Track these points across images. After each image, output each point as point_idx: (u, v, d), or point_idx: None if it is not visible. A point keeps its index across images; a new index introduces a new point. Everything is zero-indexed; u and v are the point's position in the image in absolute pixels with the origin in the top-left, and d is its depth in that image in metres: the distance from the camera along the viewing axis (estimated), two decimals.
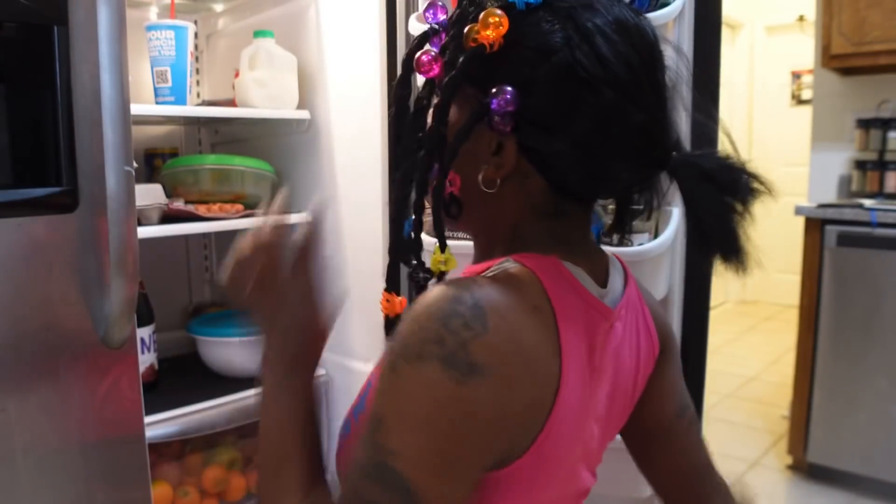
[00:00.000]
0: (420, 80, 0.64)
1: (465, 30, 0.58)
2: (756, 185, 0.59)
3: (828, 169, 2.81)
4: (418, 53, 0.62)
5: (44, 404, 0.82)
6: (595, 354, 0.61)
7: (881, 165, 2.65)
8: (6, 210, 0.77)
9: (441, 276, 0.65)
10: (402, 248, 0.66)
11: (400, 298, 0.67)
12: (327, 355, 0.91)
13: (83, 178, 0.82)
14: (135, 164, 0.86)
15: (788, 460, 2.50)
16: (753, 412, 3.05)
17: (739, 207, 0.59)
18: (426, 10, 0.65)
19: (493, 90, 0.57)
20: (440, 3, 0.64)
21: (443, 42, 0.63)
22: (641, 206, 0.66)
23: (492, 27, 0.56)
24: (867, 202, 2.39)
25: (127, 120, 0.83)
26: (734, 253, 0.59)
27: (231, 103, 1.58)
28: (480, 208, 0.64)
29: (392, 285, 0.67)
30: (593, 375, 0.61)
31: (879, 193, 2.63)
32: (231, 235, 2.00)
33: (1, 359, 0.78)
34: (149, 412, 0.89)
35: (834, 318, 2.30)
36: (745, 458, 2.59)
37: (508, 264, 0.60)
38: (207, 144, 1.94)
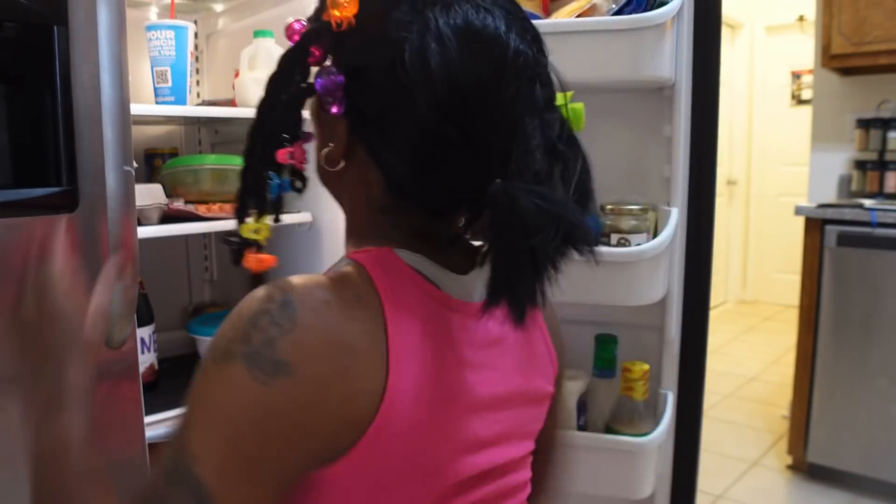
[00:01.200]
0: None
1: (326, 2, 0.57)
2: (579, 235, 0.55)
3: (828, 169, 2.81)
4: (290, 20, 0.62)
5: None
6: (448, 345, 0.58)
7: (881, 165, 2.65)
8: (6, 210, 0.77)
9: (255, 244, 0.67)
10: (242, 209, 0.67)
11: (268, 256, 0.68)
12: None
13: (83, 178, 0.82)
14: (135, 164, 0.86)
15: (788, 460, 2.50)
16: (753, 412, 3.05)
17: (542, 255, 0.53)
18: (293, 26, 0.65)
19: (319, 70, 0.58)
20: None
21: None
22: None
23: (341, 8, 0.56)
24: (867, 202, 2.39)
25: (127, 120, 0.83)
26: (513, 299, 0.53)
27: (231, 103, 1.58)
28: (335, 188, 0.66)
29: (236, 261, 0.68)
30: (453, 366, 0.58)
31: (879, 193, 2.63)
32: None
33: (1, 358, 0.78)
34: (149, 412, 0.89)
35: (834, 318, 2.30)
36: (745, 458, 2.59)
37: (343, 263, 0.60)
38: (207, 144, 1.94)
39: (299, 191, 0.67)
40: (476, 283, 0.63)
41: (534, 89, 0.57)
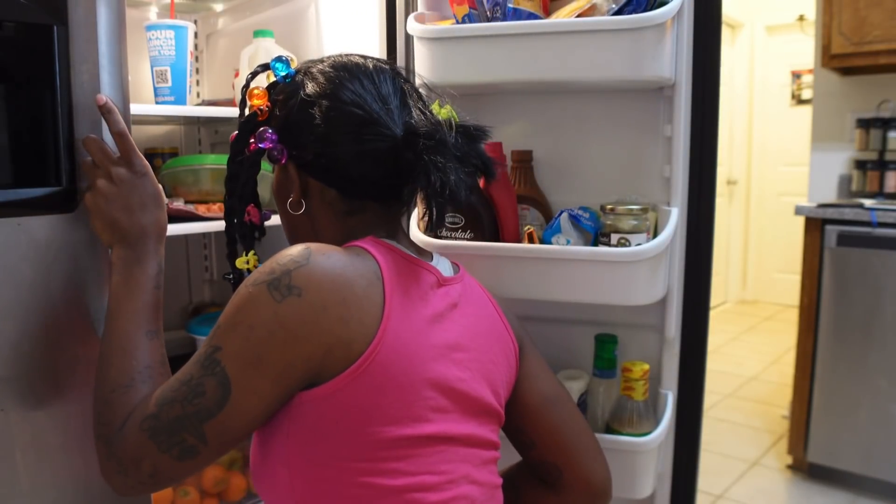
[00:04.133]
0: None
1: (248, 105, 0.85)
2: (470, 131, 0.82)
3: (828, 169, 2.81)
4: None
5: (44, 404, 0.82)
6: (428, 298, 0.79)
7: (881, 165, 2.65)
8: (6, 210, 0.77)
9: (247, 273, 0.88)
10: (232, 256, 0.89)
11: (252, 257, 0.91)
12: None
13: (83, 178, 0.82)
14: None
15: (788, 460, 2.50)
16: (753, 412, 3.05)
17: (458, 150, 0.78)
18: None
19: (257, 135, 0.81)
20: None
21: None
22: (442, 201, 0.78)
23: (255, 97, 0.84)
24: (867, 202, 2.39)
25: (127, 120, 0.83)
26: (457, 194, 0.77)
27: (231, 103, 1.58)
28: (304, 228, 0.85)
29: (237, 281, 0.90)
30: (432, 319, 0.77)
31: (879, 193, 2.63)
32: None
33: (1, 358, 0.78)
34: None
35: (834, 318, 2.30)
36: (745, 458, 2.59)
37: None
38: (207, 144, 1.94)
39: (258, 239, 0.92)
40: (439, 265, 0.85)
41: (403, 93, 0.84)
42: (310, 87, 0.81)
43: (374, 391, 0.70)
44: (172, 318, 1.90)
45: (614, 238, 1.14)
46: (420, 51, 1.22)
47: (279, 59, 0.86)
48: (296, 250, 0.72)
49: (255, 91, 0.84)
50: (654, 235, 1.18)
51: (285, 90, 0.83)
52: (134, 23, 1.31)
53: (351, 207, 0.83)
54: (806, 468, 2.43)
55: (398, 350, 0.72)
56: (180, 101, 1.46)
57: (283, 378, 0.69)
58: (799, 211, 2.37)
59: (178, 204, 1.43)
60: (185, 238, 1.94)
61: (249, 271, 0.87)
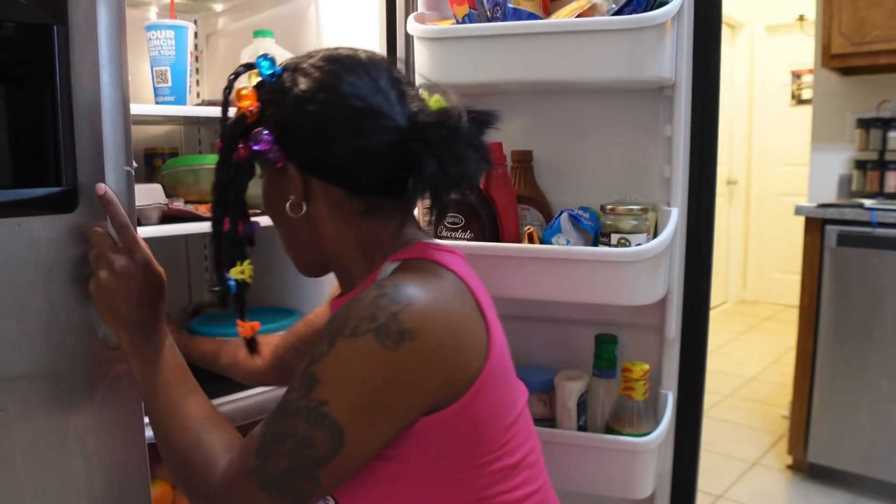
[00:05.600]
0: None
1: (237, 108, 0.79)
2: (489, 118, 0.78)
3: (828, 169, 2.81)
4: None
5: (43, 404, 0.82)
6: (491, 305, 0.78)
7: (881, 165, 2.65)
8: (6, 210, 0.77)
9: (244, 285, 0.85)
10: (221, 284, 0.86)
11: (251, 323, 0.91)
12: None
13: (83, 178, 0.82)
14: (135, 164, 0.86)
15: (788, 460, 2.50)
16: (753, 412, 3.05)
17: (470, 137, 0.74)
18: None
19: (252, 136, 0.77)
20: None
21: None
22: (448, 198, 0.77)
23: (243, 98, 0.79)
24: (867, 202, 2.39)
25: (127, 120, 0.83)
26: (473, 178, 0.76)
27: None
28: (312, 236, 0.81)
29: (242, 314, 0.89)
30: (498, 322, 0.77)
31: (879, 193, 2.63)
32: None
33: (1, 358, 0.78)
34: None
35: (834, 318, 2.30)
36: (745, 458, 2.59)
37: (391, 266, 0.76)
38: (207, 144, 1.94)
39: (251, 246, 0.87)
40: None
41: (396, 82, 0.80)
42: (304, 83, 0.78)
43: (494, 395, 0.72)
44: (172, 318, 1.90)
45: (614, 238, 1.14)
46: (420, 51, 1.22)
47: (264, 56, 0.82)
48: (386, 289, 0.67)
49: (243, 92, 0.80)
50: (654, 235, 1.18)
51: (276, 88, 0.79)
52: (134, 23, 1.31)
53: (365, 206, 0.79)
54: (806, 468, 2.42)
55: (501, 350, 0.74)
56: (180, 101, 1.45)
57: (403, 418, 0.67)
58: (799, 211, 2.37)
59: (178, 204, 1.43)
60: (185, 238, 1.94)
61: (245, 282, 0.85)
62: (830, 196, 2.76)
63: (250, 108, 0.79)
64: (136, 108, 1.07)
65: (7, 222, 0.77)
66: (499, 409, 0.73)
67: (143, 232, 1.24)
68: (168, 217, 1.38)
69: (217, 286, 0.87)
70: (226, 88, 0.84)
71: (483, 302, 0.74)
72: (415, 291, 0.67)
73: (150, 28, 1.43)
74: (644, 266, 1.11)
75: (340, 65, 0.78)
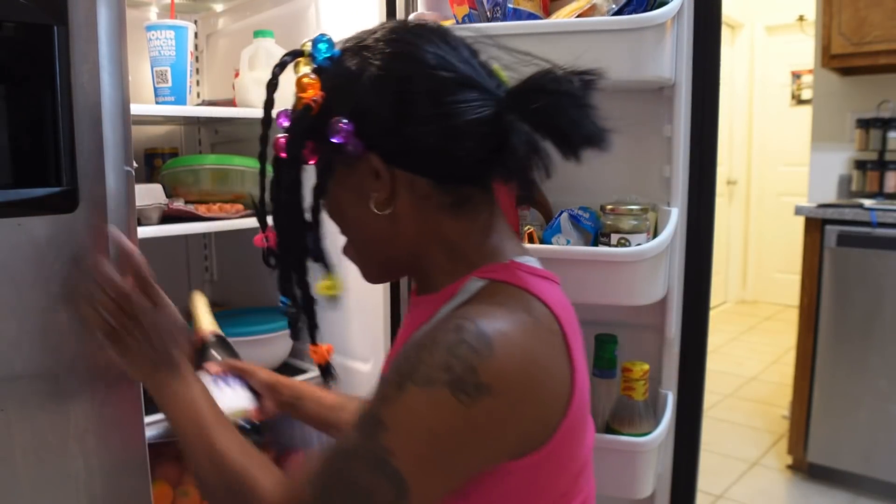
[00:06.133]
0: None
1: (294, 101, 0.70)
2: (582, 77, 0.67)
3: (828, 169, 2.81)
4: (276, 137, 0.72)
5: (43, 404, 0.82)
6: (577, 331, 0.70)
7: (881, 165, 2.65)
8: (6, 210, 0.77)
9: (331, 299, 0.76)
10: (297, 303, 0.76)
11: (326, 346, 0.80)
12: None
13: (83, 178, 0.82)
14: (135, 164, 0.86)
15: (788, 460, 2.50)
16: (753, 412, 3.05)
17: (581, 100, 0.65)
18: (278, 118, 0.74)
19: (329, 128, 0.66)
20: (284, 111, 0.73)
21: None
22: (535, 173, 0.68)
23: (307, 87, 0.68)
24: (867, 202, 2.39)
25: (127, 120, 0.83)
26: (598, 138, 0.66)
27: (231, 103, 1.58)
28: (392, 236, 0.71)
29: (314, 338, 0.79)
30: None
31: (879, 193, 2.63)
32: (231, 235, 1.99)
33: (1, 358, 0.78)
34: (149, 412, 0.89)
35: (834, 318, 2.30)
36: (745, 458, 2.59)
37: (476, 284, 0.68)
38: (207, 144, 1.94)
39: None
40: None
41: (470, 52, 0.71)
42: (378, 60, 0.67)
43: (568, 446, 0.66)
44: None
45: (614, 238, 1.14)
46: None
47: (321, 38, 0.71)
48: (467, 332, 0.59)
49: (304, 80, 0.69)
50: (654, 235, 1.18)
51: (342, 72, 0.69)
52: (134, 23, 1.31)
53: (454, 198, 0.70)
54: (806, 468, 2.42)
55: (582, 394, 0.67)
56: (180, 101, 1.46)
57: (473, 472, 0.62)
58: (799, 211, 2.37)
59: (178, 204, 1.43)
60: (185, 238, 1.94)
61: (334, 297, 0.76)
62: (830, 196, 2.76)
63: (314, 99, 0.68)
64: (136, 108, 1.07)
65: (7, 222, 0.77)
66: (569, 458, 0.67)
67: (143, 232, 1.24)
68: (168, 217, 1.38)
69: (292, 307, 0.77)
70: (271, 82, 0.74)
71: (572, 341, 0.66)
72: (498, 338, 0.59)
73: (150, 28, 1.43)
74: (644, 266, 1.11)
75: (414, 34, 0.69)
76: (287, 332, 1.56)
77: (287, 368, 1.61)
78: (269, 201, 0.74)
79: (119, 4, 0.81)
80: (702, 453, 1.35)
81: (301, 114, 0.69)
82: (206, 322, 1.05)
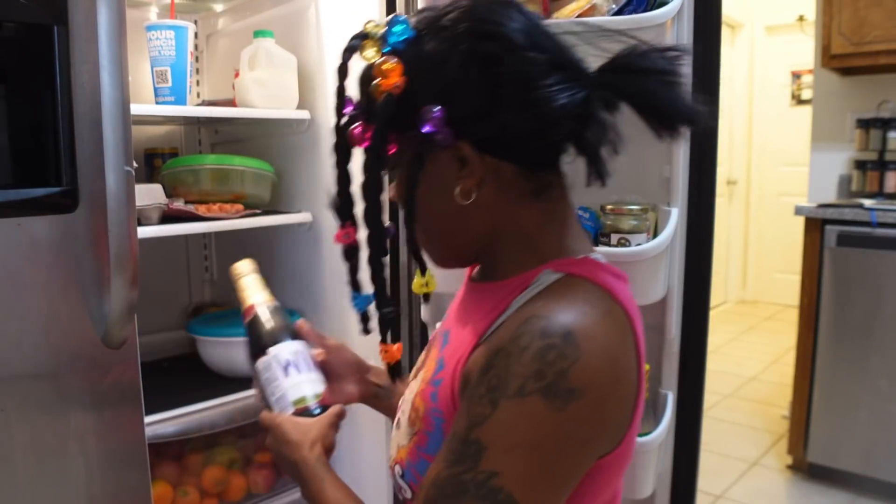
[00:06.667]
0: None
1: (370, 88, 0.65)
2: (666, 54, 0.64)
3: (828, 169, 2.81)
4: (350, 128, 0.68)
5: (44, 404, 0.82)
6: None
7: (881, 165, 2.65)
8: (6, 210, 0.77)
9: (426, 297, 0.75)
10: (384, 303, 0.72)
11: (396, 345, 0.74)
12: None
13: (83, 178, 0.82)
14: (135, 164, 0.86)
15: (788, 460, 2.50)
16: (753, 412, 3.05)
17: (673, 77, 0.63)
18: (345, 107, 0.70)
19: (419, 117, 0.62)
20: (349, 97, 0.70)
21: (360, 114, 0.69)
22: (605, 151, 0.66)
23: (389, 73, 0.64)
24: (867, 202, 2.39)
25: (127, 120, 0.83)
26: (694, 115, 0.64)
27: (231, 103, 1.58)
28: (471, 229, 0.69)
29: (385, 336, 0.73)
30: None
31: (879, 193, 2.63)
32: (231, 235, 1.99)
33: (1, 358, 0.78)
34: (149, 412, 0.89)
35: (834, 318, 2.30)
36: (745, 458, 2.59)
37: (551, 276, 0.65)
38: (207, 144, 1.94)
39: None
40: None
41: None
42: (463, 40, 0.63)
43: (631, 442, 0.65)
44: (172, 318, 1.90)
45: (614, 238, 1.14)
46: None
47: (398, 19, 0.67)
48: (554, 337, 0.57)
49: (385, 66, 0.64)
50: (654, 235, 1.18)
51: (423, 54, 0.64)
52: (134, 23, 1.31)
53: (536, 185, 0.67)
54: (806, 468, 2.42)
55: (643, 388, 0.67)
56: (180, 101, 1.46)
57: (574, 480, 0.60)
58: (799, 211, 2.37)
59: (179, 204, 1.43)
60: (185, 238, 1.94)
61: (429, 294, 0.76)
62: (830, 196, 2.76)
63: (397, 85, 0.63)
64: (136, 108, 1.08)
65: (7, 222, 0.77)
66: (630, 454, 0.66)
67: (143, 232, 1.24)
68: (168, 217, 1.38)
69: (388, 307, 0.72)
70: (342, 67, 0.69)
71: (641, 342, 0.65)
72: (584, 340, 0.57)
73: (150, 28, 1.43)
74: (644, 266, 1.11)
75: (496, 12, 0.64)
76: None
77: None
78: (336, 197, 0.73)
79: (119, 4, 0.81)
80: (702, 453, 1.35)
81: (385, 103, 0.64)
82: (255, 292, 0.91)
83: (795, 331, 2.40)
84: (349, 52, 0.69)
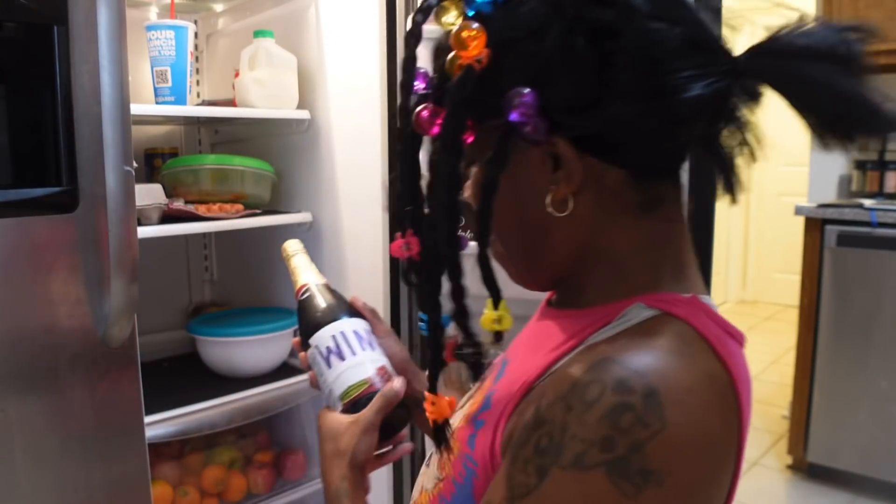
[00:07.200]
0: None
1: (446, 62, 0.50)
2: (856, 34, 0.49)
3: (828, 169, 2.81)
4: (417, 111, 0.53)
5: (44, 404, 0.82)
6: None
7: (881, 165, 2.65)
8: (6, 210, 0.77)
9: (497, 336, 0.57)
10: (438, 338, 0.55)
11: (448, 399, 0.57)
12: None
13: (83, 178, 0.82)
14: (135, 164, 0.86)
15: (788, 460, 2.50)
16: (753, 412, 3.02)
17: (852, 65, 0.48)
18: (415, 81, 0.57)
19: (505, 101, 0.48)
20: (422, 71, 0.56)
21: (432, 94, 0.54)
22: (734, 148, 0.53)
23: (469, 43, 0.48)
24: (867, 202, 2.39)
25: (127, 120, 0.83)
26: (877, 121, 0.47)
27: (231, 103, 1.58)
28: (559, 245, 0.54)
29: (434, 386, 0.57)
30: None
31: (879, 193, 2.63)
32: (231, 235, 1.99)
33: (1, 358, 0.78)
34: (149, 412, 0.89)
35: (834, 318, 2.30)
36: (745, 458, 2.58)
37: (643, 312, 0.50)
38: (207, 144, 1.94)
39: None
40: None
41: None
42: (571, 7, 0.47)
43: None
44: (172, 318, 1.90)
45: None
46: (420, 51, 1.22)
47: None
48: (633, 395, 0.43)
49: (465, 33, 0.48)
50: None
51: (516, 23, 0.49)
52: (134, 23, 1.31)
53: (646, 197, 0.52)
54: (806, 468, 2.42)
55: (738, 474, 0.53)
56: (180, 101, 1.46)
57: None
58: (799, 211, 2.37)
59: (178, 204, 1.43)
60: (185, 238, 1.94)
61: (501, 334, 0.57)
62: (830, 196, 2.76)
63: (478, 59, 0.48)
64: (136, 108, 1.07)
65: (7, 222, 0.77)
66: None
67: (143, 232, 1.24)
68: (168, 217, 1.38)
69: (469, 348, 0.54)
70: (413, 31, 0.54)
71: (745, 416, 0.50)
72: (673, 406, 0.43)
73: (150, 28, 1.43)
74: None
75: None
76: (286, 331, 1.57)
77: (287, 369, 1.61)
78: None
79: (119, 4, 0.81)
80: None
81: (461, 80, 0.49)
82: (303, 271, 0.81)
83: (795, 331, 2.40)
84: (424, 12, 0.53)
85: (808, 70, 0.47)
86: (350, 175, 1.53)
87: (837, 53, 0.47)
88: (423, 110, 0.52)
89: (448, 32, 0.50)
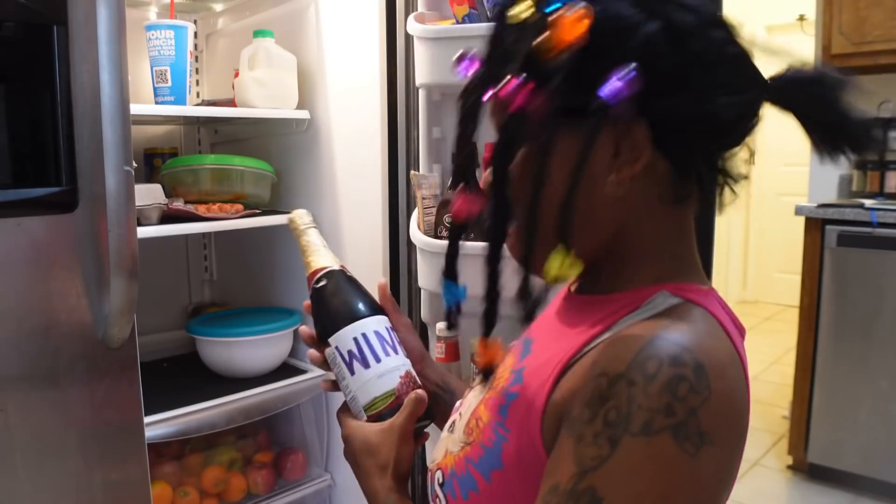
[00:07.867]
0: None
1: (539, 43, 0.52)
2: (837, 75, 0.57)
3: (828, 169, 2.80)
4: (495, 89, 0.55)
5: (44, 404, 0.82)
6: None
7: (882, 165, 2.65)
8: (6, 210, 0.77)
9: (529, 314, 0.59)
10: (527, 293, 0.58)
11: (498, 342, 0.62)
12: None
13: (83, 178, 0.82)
14: (134, 164, 0.86)
15: (788, 460, 2.50)
16: (753, 412, 3.02)
17: (844, 97, 0.56)
18: (459, 65, 0.60)
19: (611, 75, 0.51)
20: (476, 54, 0.58)
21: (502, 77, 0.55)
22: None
23: (572, 23, 0.51)
24: (868, 202, 2.39)
25: (127, 120, 0.83)
26: (867, 138, 0.57)
27: (231, 103, 1.58)
28: (602, 227, 0.58)
29: (489, 330, 0.60)
30: None
31: (880, 193, 2.63)
32: (231, 235, 1.99)
33: (1, 358, 0.78)
34: (148, 412, 0.89)
35: (834, 318, 2.30)
36: (745, 458, 2.57)
37: (668, 299, 0.55)
38: (207, 144, 1.94)
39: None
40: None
41: None
42: (672, 7, 0.54)
43: None
44: (172, 318, 1.90)
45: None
46: (420, 51, 1.22)
47: None
48: (686, 367, 0.48)
49: (570, 15, 0.51)
50: None
51: (610, 13, 0.52)
52: (134, 23, 1.31)
53: (680, 192, 0.59)
54: (806, 468, 2.42)
55: None
56: (180, 101, 1.46)
57: None
58: (799, 211, 2.37)
59: (178, 204, 1.43)
60: (185, 238, 1.94)
61: (565, 279, 0.58)
62: (830, 196, 2.76)
63: (581, 39, 0.51)
64: (136, 108, 1.08)
65: (7, 222, 0.77)
66: None
67: (143, 232, 1.24)
68: (168, 217, 1.38)
69: (526, 296, 0.57)
70: (503, 12, 0.57)
71: (749, 405, 0.57)
72: (716, 377, 0.49)
73: (150, 28, 1.43)
74: None
75: None
76: (286, 331, 1.57)
77: (287, 369, 1.61)
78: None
79: (119, 4, 0.81)
80: None
81: (559, 62, 0.51)
82: (317, 251, 0.80)
83: (796, 331, 2.40)
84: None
85: (816, 92, 0.57)
86: (350, 175, 1.53)
87: (836, 79, 0.57)
88: (504, 85, 0.54)
89: (531, 17, 0.54)
